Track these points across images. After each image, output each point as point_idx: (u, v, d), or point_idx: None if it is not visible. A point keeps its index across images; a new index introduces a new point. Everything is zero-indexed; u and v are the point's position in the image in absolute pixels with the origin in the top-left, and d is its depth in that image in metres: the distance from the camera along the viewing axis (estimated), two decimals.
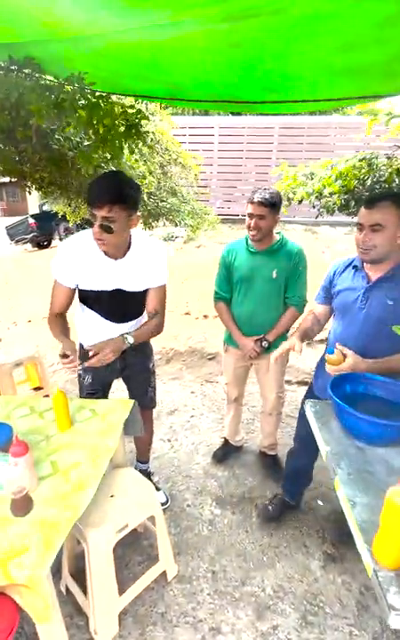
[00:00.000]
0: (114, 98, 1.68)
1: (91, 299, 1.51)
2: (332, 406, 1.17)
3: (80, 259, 1.40)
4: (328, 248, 5.70)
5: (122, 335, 1.47)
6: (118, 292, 1.48)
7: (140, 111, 1.61)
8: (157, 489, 1.95)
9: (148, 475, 2.00)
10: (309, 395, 1.62)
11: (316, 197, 2.19)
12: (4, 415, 1.52)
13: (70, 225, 7.93)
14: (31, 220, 9.16)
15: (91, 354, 1.39)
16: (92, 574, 1.27)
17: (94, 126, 1.49)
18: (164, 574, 1.56)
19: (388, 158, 1.96)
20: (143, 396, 1.80)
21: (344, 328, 1.39)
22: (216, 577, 1.61)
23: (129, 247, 1.44)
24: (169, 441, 2.44)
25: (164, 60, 1.42)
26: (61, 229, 9.29)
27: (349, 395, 1.14)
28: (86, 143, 1.69)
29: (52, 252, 8.83)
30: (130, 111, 1.55)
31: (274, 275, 1.76)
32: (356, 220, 1.32)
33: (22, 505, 1.04)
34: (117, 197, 1.24)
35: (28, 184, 1.99)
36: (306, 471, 1.77)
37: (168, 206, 2.70)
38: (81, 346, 1.67)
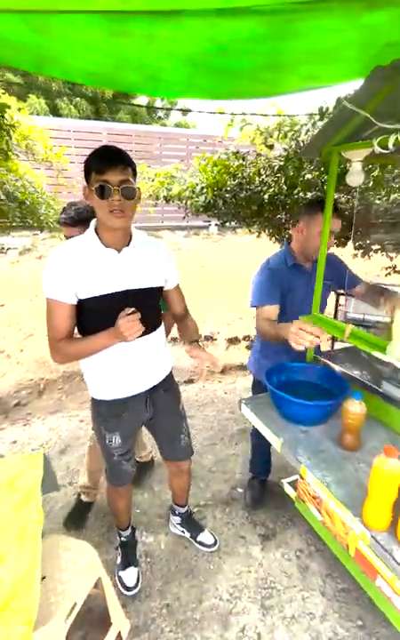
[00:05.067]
0: None
1: (97, 312, 1.15)
2: (263, 399, 1.24)
3: (77, 262, 1.11)
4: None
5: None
6: (129, 292, 1.18)
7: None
8: (201, 529, 1.77)
9: (189, 515, 1.79)
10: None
11: (189, 195, 2.25)
12: None
13: None
14: None
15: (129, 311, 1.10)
16: None
17: None
18: (119, 636, 1.36)
19: (259, 155, 2.17)
20: (175, 443, 1.50)
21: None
22: (171, 609, 1.50)
23: (130, 237, 1.20)
24: (70, 484, 2.11)
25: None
26: None
27: (278, 385, 1.23)
28: None
29: None
30: None
31: None
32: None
33: None
34: (129, 160, 1.08)
35: None
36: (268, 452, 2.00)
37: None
38: (95, 402, 1.34)
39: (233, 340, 4.01)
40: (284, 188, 1.98)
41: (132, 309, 1.08)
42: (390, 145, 0.91)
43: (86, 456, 1.89)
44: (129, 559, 1.62)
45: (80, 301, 1.13)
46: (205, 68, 1.45)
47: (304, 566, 1.68)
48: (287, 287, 1.58)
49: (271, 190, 1.99)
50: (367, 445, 1.08)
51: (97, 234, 1.14)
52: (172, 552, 1.74)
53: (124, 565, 1.60)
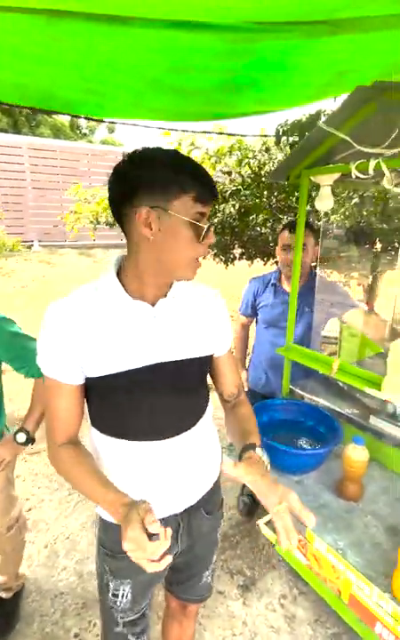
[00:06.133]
0: None
1: (112, 398, 0.77)
2: None
3: (87, 321, 0.73)
4: None
5: None
6: (160, 367, 0.76)
7: None
8: None
9: None
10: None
11: None
12: None
13: None
14: None
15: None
16: None
17: None
18: None
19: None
20: (193, 580, 1.03)
21: None
22: None
23: (170, 284, 0.82)
24: None
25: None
26: None
27: (261, 427, 1.10)
28: None
29: None
30: None
31: None
32: None
33: None
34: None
35: None
36: None
37: None
38: (103, 524, 0.87)
39: None
40: (233, 211, 1.93)
41: (158, 531, 0.58)
42: (370, 170, 0.87)
43: None
44: None
45: (88, 381, 0.75)
46: (156, 85, 1.32)
47: (290, 615, 1.54)
48: (262, 303, 1.71)
49: (219, 215, 1.93)
50: (368, 491, 1.00)
51: (119, 279, 0.75)
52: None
53: None
